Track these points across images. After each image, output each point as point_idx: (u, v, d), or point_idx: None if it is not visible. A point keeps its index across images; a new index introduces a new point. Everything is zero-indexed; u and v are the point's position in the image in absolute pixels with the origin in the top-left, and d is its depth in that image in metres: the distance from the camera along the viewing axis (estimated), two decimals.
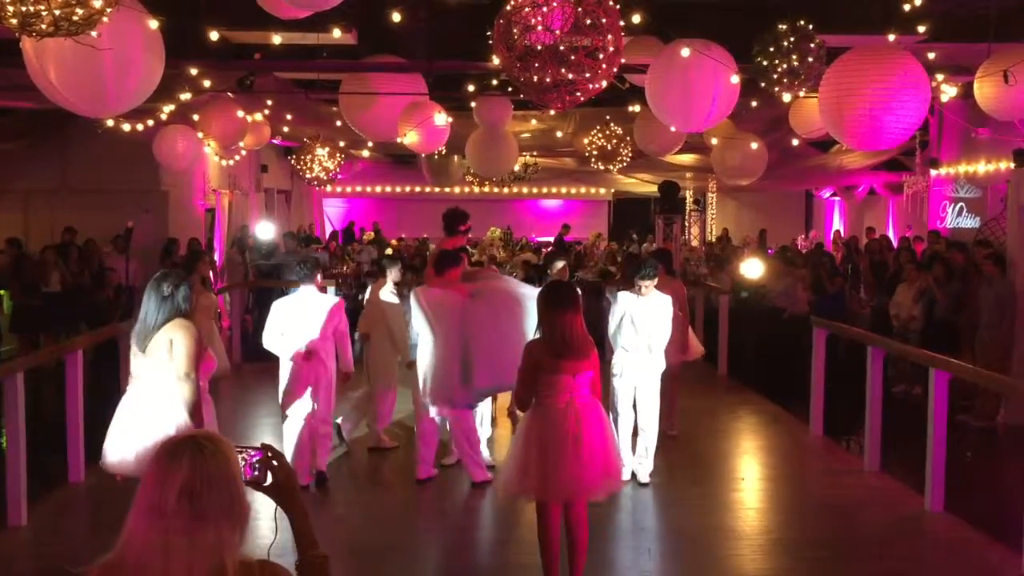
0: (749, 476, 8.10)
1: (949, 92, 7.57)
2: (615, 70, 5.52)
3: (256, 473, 2.35)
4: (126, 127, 10.14)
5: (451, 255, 6.94)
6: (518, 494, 5.19)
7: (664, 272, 8.94)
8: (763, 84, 6.14)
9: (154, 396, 5.05)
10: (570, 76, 5.30)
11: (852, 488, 7.59)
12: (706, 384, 10.99)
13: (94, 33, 3.94)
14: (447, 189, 21.50)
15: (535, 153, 17.56)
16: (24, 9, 3.31)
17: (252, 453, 2.39)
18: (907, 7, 7.12)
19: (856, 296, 12.91)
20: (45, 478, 7.33)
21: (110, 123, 9.09)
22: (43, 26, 3.49)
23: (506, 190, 20.96)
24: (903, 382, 11.51)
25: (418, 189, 22.53)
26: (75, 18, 3.57)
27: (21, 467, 6.31)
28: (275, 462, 2.38)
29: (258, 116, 11.13)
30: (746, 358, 12.29)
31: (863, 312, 11.68)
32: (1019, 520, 5.74)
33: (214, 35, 7.30)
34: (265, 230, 16.94)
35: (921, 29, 7.52)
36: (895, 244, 15.13)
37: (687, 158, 16.12)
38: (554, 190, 23.59)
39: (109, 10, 3.68)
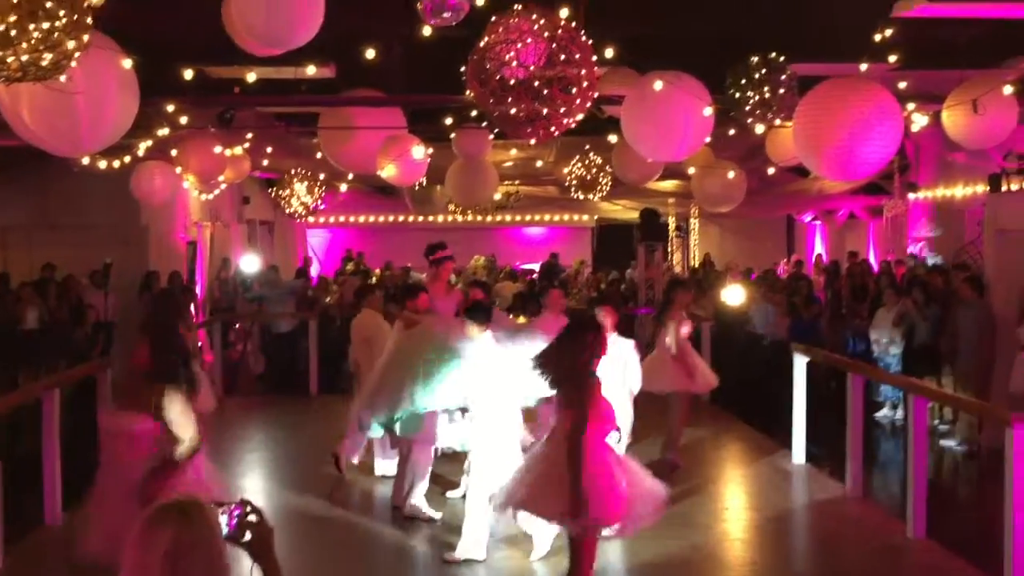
0: (733, 505, 8.08)
1: (920, 122, 7.65)
2: (588, 104, 5.56)
3: (235, 529, 2.39)
4: (102, 164, 10.12)
5: (411, 288, 7.82)
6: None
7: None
8: (736, 116, 6.19)
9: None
10: (544, 111, 5.32)
11: (835, 516, 7.59)
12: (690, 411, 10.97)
13: (63, 78, 3.94)
14: (430, 218, 21.51)
15: (517, 182, 17.61)
16: None
17: (232, 508, 2.43)
18: (878, 37, 7.21)
19: (837, 319, 12.92)
20: (21, 520, 7.24)
21: (86, 161, 9.07)
22: (10, 72, 3.48)
23: (489, 218, 20.98)
24: (886, 404, 11.55)
25: (401, 218, 22.51)
26: (43, 63, 3.56)
27: None
28: (253, 518, 2.43)
29: (238, 150, 11.13)
30: (730, 384, 12.29)
31: (837, 339, 11.71)
32: (1000, 546, 5.76)
33: (188, 73, 7.31)
34: (250, 263, 16.91)
35: (892, 59, 7.61)
36: (876, 268, 15.23)
37: (669, 184, 16.20)
38: (537, 217, 23.62)
39: (78, 55, 3.67)
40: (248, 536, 2.40)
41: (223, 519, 2.41)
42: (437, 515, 7.26)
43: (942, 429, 10.49)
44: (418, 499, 7.29)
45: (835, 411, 8.92)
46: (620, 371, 7.29)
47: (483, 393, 6.29)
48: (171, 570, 2.09)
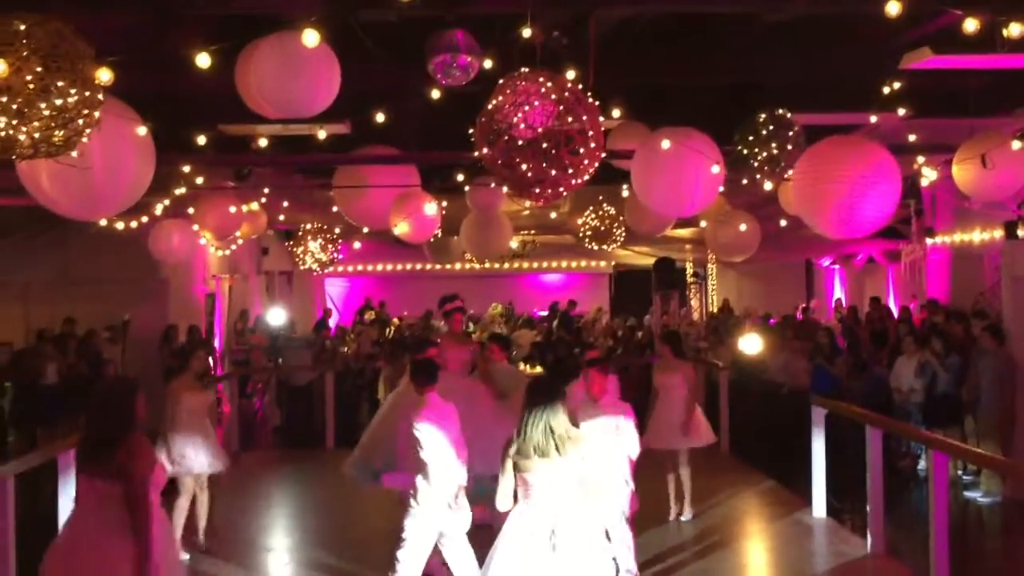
0: (753, 562, 7.96)
1: (930, 175, 7.64)
2: (596, 165, 5.60)
3: None
4: (119, 225, 10.26)
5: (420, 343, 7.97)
6: None
7: (672, 354, 8.94)
8: (744, 173, 6.21)
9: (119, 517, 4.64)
10: (552, 172, 5.36)
11: (857, 573, 7.44)
12: (708, 461, 10.83)
13: (75, 153, 4.01)
14: (448, 266, 21.60)
15: (532, 232, 17.67)
16: (2, 134, 3.37)
17: None
18: (887, 89, 7.24)
19: (857, 366, 12.77)
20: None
21: (103, 223, 9.21)
22: (22, 149, 3.55)
23: (507, 265, 21.05)
24: (908, 456, 11.38)
25: (419, 267, 22.64)
26: (55, 140, 3.63)
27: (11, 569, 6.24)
28: None
29: (254, 205, 11.26)
30: (748, 434, 12.18)
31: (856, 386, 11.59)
32: None
33: (202, 139, 7.42)
34: (276, 316, 17.04)
35: (902, 111, 7.62)
36: (896, 313, 15.09)
37: (685, 232, 16.20)
38: (554, 264, 23.65)
39: (89, 131, 3.74)
40: None
41: None
42: None
43: (966, 480, 10.32)
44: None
45: (857, 462, 8.80)
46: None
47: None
48: None
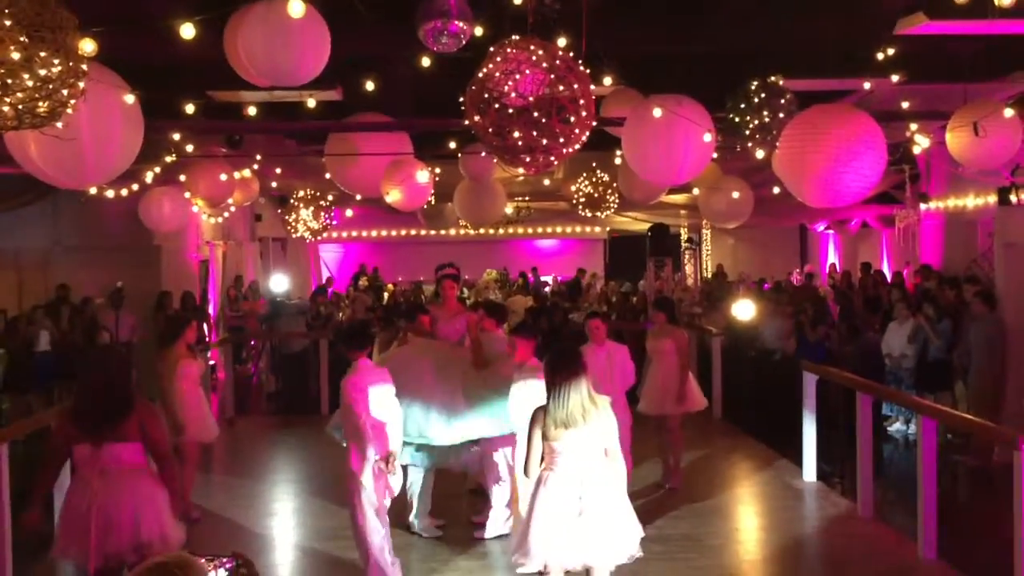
0: (744, 526, 8.05)
1: (923, 143, 7.62)
2: (587, 134, 5.57)
3: None
4: (110, 193, 10.21)
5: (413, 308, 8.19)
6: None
7: (666, 320, 9.00)
8: (736, 141, 6.19)
9: (130, 482, 4.92)
10: (543, 141, 5.34)
11: (845, 536, 7.54)
12: (700, 428, 10.93)
13: (60, 124, 3.98)
14: (442, 232, 21.58)
15: (527, 198, 17.63)
16: None
17: (224, 561, 2.44)
18: (881, 56, 7.19)
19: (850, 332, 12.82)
20: (33, 545, 7.31)
21: (93, 191, 9.17)
22: (6, 120, 3.53)
23: (502, 231, 21.02)
24: (899, 420, 11.46)
25: (413, 232, 22.60)
26: (39, 111, 3.61)
27: (6, 539, 6.30)
28: (244, 570, 2.43)
29: (246, 172, 11.20)
30: (740, 400, 12.26)
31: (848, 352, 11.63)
32: (1011, 566, 5.71)
33: (191, 107, 7.37)
34: (279, 282, 17.06)
35: (895, 78, 7.58)
36: (890, 277, 15.12)
37: (679, 197, 16.18)
38: (549, 229, 23.65)
39: (73, 102, 3.72)
40: None
41: (213, 574, 2.42)
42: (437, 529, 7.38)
43: (955, 443, 10.41)
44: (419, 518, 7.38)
45: (846, 428, 8.87)
46: (616, 373, 7.66)
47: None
48: None
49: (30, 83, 3.47)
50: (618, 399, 6.85)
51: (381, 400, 6.04)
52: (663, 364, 8.73)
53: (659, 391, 8.67)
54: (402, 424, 6.30)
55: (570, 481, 4.82)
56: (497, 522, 7.24)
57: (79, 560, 4.86)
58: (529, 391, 6.24)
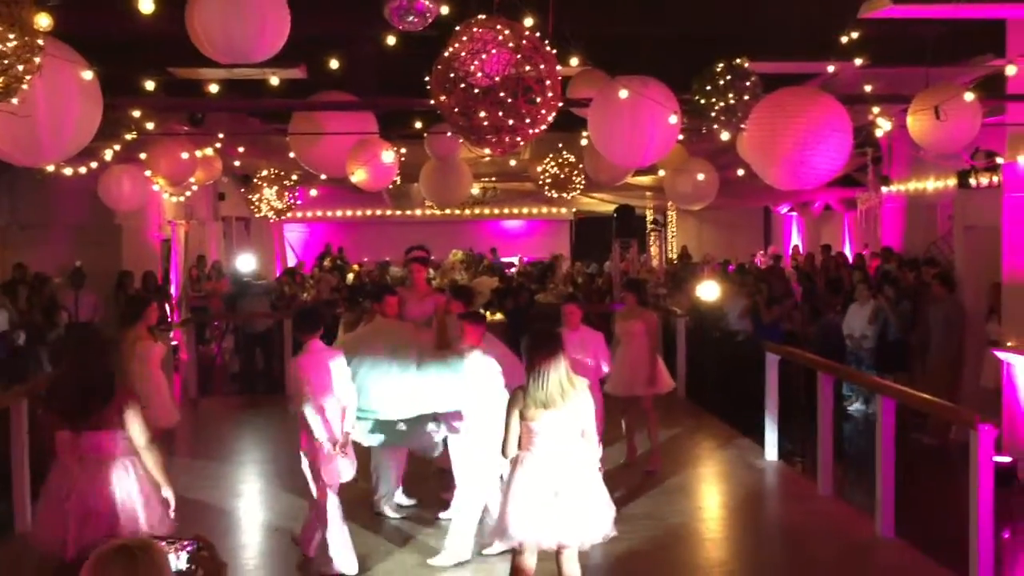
0: (707, 504, 8.14)
1: (884, 126, 7.69)
2: (553, 114, 5.56)
3: (187, 566, 2.39)
4: (68, 171, 10.02)
5: (381, 290, 8.27)
6: (502, 542, 5.17)
7: (636, 302, 9.01)
8: (702, 123, 6.21)
9: (110, 471, 4.77)
10: (509, 121, 5.32)
11: (805, 514, 7.66)
12: (665, 408, 11.00)
13: (15, 100, 3.89)
14: (408, 212, 21.49)
15: (493, 179, 17.58)
16: None
17: (184, 544, 2.43)
18: (844, 39, 7.23)
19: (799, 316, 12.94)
20: None
21: (51, 168, 9.00)
22: None
23: (467, 212, 20.97)
24: (858, 400, 11.65)
25: (379, 213, 22.47)
26: None
27: None
28: (205, 553, 2.43)
29: (209, 151, 11.04)
30: (704, 380, 12.37)
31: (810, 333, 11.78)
32: (966, 543, 5.84)
33: (150, 84, 7.24)
34: (246, 262, 16.86)
35: (859, 61, 7.63)
36: (851, 259, 15.31)
37: (645, 179, 16.22)
38: (516, 211, 23.61)
39: (29, 78, 3.63)
40: (200, 572, 2.41)
41: (174, 557, 2.41)
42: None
43: (914, 422, 10.58)
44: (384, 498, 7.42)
45: (808, 407, 8.99)
46: (589, 358, 7.69)
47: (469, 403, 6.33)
48: None
49: None
50: (591, 385, 6.85)
51: (332, 382, 6.05)
52: (632, 346, 8.73)
53: (628, 373, 8.68)
54: (356, 403, 6.30)
55: (547, 461, 4.86)
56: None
57: (55, 549, 4.71)
58: (477, 374, 6.31)
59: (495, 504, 5.94)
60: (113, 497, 4.70)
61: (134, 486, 4.78)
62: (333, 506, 6.08)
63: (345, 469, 6.13)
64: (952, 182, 11.53)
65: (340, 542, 6.10)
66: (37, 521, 4.93)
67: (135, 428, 4.78)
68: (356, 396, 6.31)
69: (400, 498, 7.67)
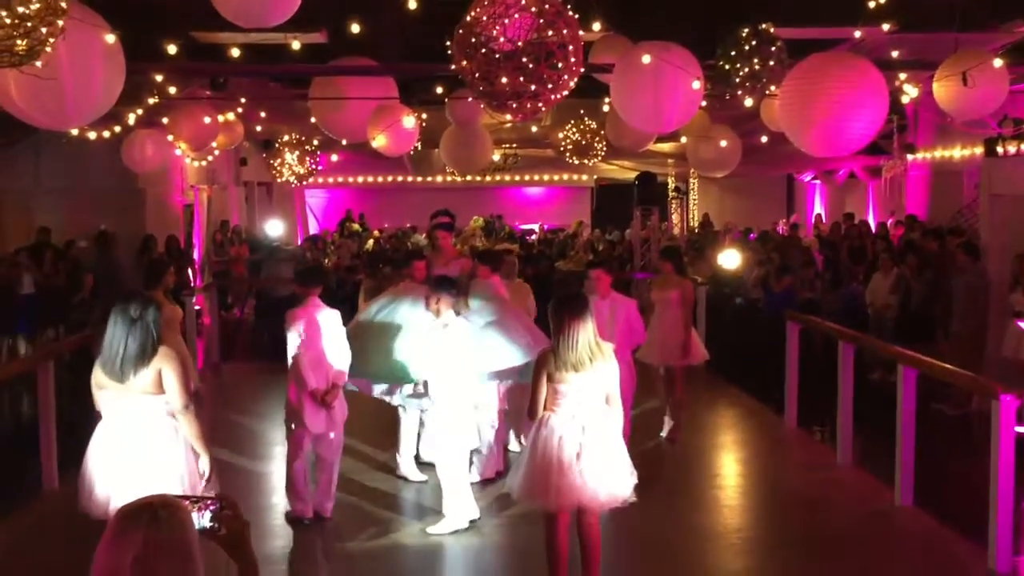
0: (725, 472, 8.16)
1: (911, 93, 7.57)
2: (575, 80, 5.52)
3: (210, 524, 2.41)
4: (92, 135, 10.07)
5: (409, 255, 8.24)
6: (526, 503, 5.21)
7: (673, 271, 8.81)
8: (726, 89, 6.14)
9: (147, 433, 4.78)
10: (531, 86, 5.29)
11: (824, 483, 7.66)
12: (686, 376, 11.01)
13: (39, 63, 3.91)
14: (429, 178, 21.48)
15: (514, 145, 17.51)
16: None
17: (208, 503, 2.46)
18: (872, 4, 7.11)
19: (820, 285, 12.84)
20: (22, 485, 7.36)
21: (75, 132, 9.04)
22: None
23: (488, 178, 20.94)
24: (879, 369, 11.58)
25: (400, 179, 22.48)
26: (18, 49, 3.54)
27: None
28: (228, 512, 2.45)
29: (230, 115, 11.06)
30: (725, 349, 12.33)
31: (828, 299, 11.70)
32: (985, 514, 5.82)
33: (172, 48, 7.24)
34: (274, 227, 16.96)
35: (886, 27, 7.51)
36: (875, 228, 15.18)
37: (667, 146, 16.11)
38: (536, 177, 23.55)
39: (52, 40, 3.64)
40: (223, 531, 2.43)
41: (197, 516, 2.44)
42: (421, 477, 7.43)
43: (937, 392, 10.51)
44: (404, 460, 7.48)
45: (830, 376, 8.95)
46: (619, 328, 7.42)
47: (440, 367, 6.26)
48: (140, 574, 2.09)
49: (8, 20, 3.40)
50: (622, 356, 6.69)
51: (325, 336, 6.16)
52: (668, 314, 8.50)
53: (661, 341, 8.47)
54: (348, 361, 6.36)
55: (572, 424, 4.89)
56: (484, 465, 7.31)
57: (97, 509, 4.73)
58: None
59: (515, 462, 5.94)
60: (151, 460, 4.72)
61: (178, 447, 4.81)
62: (301, 449, 6.30)
63: (324, 421, 6.26)
64: (979, 150, 11.38)
65: (296, 485, 6.36)
66: (80, 480, 4.97)
67: (173, 390, 4.78)
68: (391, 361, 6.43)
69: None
